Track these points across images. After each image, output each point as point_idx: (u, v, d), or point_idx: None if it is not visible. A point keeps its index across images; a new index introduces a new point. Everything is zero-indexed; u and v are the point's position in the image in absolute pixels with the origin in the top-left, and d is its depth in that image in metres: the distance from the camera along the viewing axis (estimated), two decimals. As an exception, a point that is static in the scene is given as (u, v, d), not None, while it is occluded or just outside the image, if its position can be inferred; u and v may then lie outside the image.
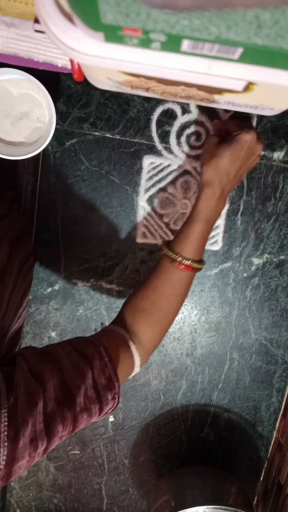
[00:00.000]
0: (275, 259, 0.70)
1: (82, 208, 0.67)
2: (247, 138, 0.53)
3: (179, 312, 0.56)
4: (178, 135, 0.64)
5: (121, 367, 0.46)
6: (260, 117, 0.64)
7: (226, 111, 0.63)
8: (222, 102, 0.48)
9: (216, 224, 0.68)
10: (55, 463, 0.78)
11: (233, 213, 0.68)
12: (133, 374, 0.51)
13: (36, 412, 0.35)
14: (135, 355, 0.50)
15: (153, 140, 0.65)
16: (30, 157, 0.58)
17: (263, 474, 0.79)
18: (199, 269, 0.54)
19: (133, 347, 0.50)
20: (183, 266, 0.52)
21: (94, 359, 0.42)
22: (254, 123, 0.64)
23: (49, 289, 0.70)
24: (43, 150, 0.64)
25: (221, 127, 0.60)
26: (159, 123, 0.64)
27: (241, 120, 0.63)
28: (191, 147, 0.65)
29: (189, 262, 0.52)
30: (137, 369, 0.51)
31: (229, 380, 0.75)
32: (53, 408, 0.36)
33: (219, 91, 0.42)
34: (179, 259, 0.52)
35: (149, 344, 0.52)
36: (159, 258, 0.55)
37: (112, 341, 0.48)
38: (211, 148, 0.56)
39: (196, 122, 0.64)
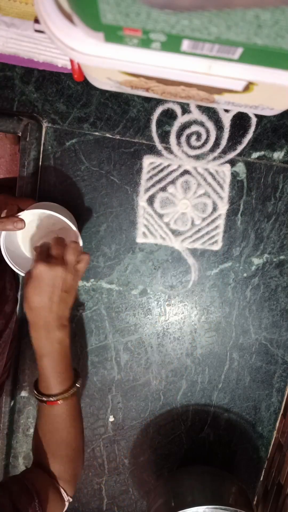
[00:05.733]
0: (275, 259, 0.70)
1: (82, 208, 0.67)
2: (36, 272, 0.51)
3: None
4: (178, 135, 0.64)
5: (52, 509, 0.52)
6: (260, 117, 0.64)
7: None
8: (222, 102, 0.48)
9: (216, 224, 0.68)
10: (55, 463, 0.78)
11: (233, 213, 0.68)
12: (66, 507, 0.57)
13: None
14: (62, 492, 0.55)
15: (153, 140, 0.65)
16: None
17: (263, 474, 0.79)
18: (67, 398, 0.55)
19: (57, 485, 0.55)
20: (44, 402, 0.55)
21: None
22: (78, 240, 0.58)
23: (49, 289, 0.70)
24: (43, 150, 0.64)
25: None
26: (159, 123, 0.64)
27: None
28: (191, 147, 0.65)
29: (45, 397, 0.55)
30: (67, 503, 0.57)
31: (229, 380, 0.75)
32: None
33: (219, 91, 0.42)
34: (39, 396, 0.56)
35: (65, 476, 0.57)
36: None
37: (43, 484, 0.53)
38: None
39: (196, 122, 0.64)
